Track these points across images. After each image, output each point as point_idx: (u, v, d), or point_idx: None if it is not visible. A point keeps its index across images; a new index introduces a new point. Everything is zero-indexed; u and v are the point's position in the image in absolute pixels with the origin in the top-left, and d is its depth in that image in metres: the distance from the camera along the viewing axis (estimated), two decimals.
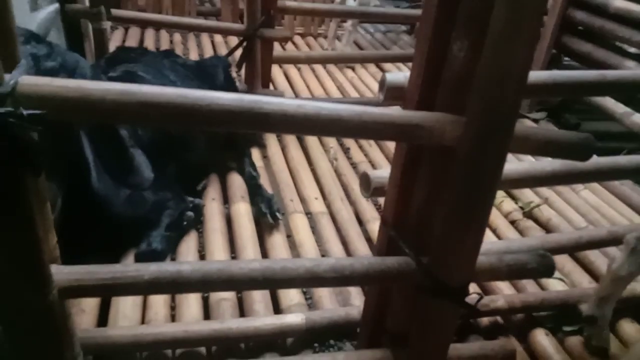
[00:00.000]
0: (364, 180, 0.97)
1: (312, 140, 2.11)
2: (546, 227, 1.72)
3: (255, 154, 1.97)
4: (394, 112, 0.78)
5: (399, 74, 0.87)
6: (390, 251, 0.96)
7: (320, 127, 0.75)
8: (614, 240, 1.42)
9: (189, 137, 1.64)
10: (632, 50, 2.37)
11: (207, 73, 1.76)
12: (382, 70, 2.89)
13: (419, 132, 0.77)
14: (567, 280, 1.48)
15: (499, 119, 0.74)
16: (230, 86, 1.81)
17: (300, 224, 1.61)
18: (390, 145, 2.07)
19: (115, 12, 1.96)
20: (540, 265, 0.97)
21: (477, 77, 0.74)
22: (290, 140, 2.10)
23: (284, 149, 2.05)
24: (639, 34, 2.15)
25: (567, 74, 1.08)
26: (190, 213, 1.50)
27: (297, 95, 2.51)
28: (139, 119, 0.74)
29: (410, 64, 1.11)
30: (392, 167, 0.94)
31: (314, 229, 1.62)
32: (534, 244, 1.35)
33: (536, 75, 0.99)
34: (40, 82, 0.62)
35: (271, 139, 2.09)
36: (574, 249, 1.49)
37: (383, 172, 0.96)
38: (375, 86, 2.65)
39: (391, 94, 0.86)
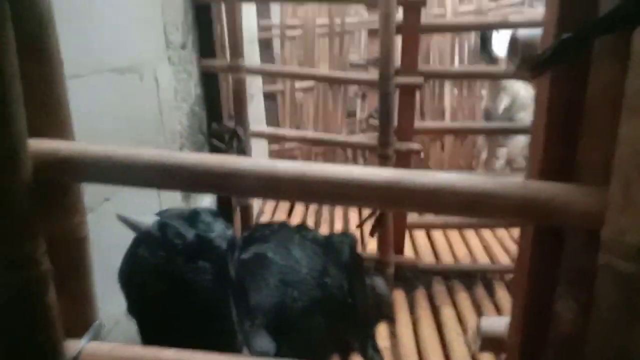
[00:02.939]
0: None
1: (448, 317, 1.93)
2: None
3: (382, 329, 1.85)
4: None
5: (496, 320, 0.74)
6: None
7: None
8: None
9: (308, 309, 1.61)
10: None
11: (334, 249, 1.77)
12: None
13: None
14: None
15: None
16: (355, 262, 1.78)
17: None
18: None
19: None
20: None
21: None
22: (424, 313, 1.95)
23: (415, 324, 1.90)
24: None
25: None
26: None
27: (437, 259, 2.38)
28: None
29: None
30: None
31: None
32: None
33: None
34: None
35: (402, 312, 1.97)
36: None
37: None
38: None
39: (487, 344, 0.73)
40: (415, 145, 1.99)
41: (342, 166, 0.60)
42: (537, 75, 0.61)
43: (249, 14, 2.93)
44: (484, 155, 3.03)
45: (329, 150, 3.33)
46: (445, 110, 3.20)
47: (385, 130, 1.91)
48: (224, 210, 2.09)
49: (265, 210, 2.93)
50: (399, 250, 2.15)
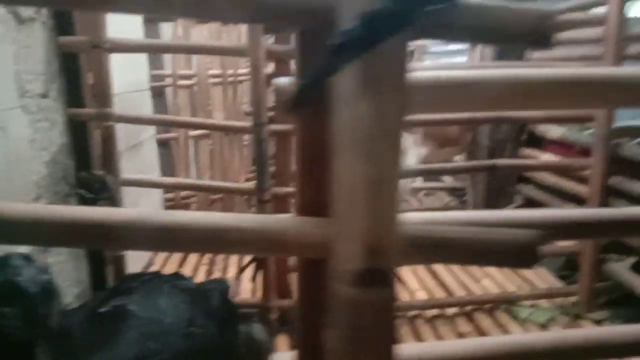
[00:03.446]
0: None
1: None
2: None
3: None
4: None
5: (285, 356, 0.76)
6: None
7: None
8: None
9: None
10: None
11: (204, 297, 1.74)
12: (431, 269, 2.74)
13: None
14: None
15: None
16: (227, 309, 1.76)
17: None
18: None
19: None
20: None
21: None
22: None
23: None
24: None
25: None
26: None
27: None
28: None
29: None
30: None
31: None
32: None
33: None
34: None
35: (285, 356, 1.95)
36: None
37: None
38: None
39: None
40: (291, 189, 2.04)
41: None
42: (291, 118, 0.65)
43: (139, 64, 2.94)
44: None
45: (228, 197, 3.32)
46: None
47: (261, 175, 1.95)
48: (94, 261, 2.01)
49: (155, 262, 2.85)
50: (283, 294, 2.15)
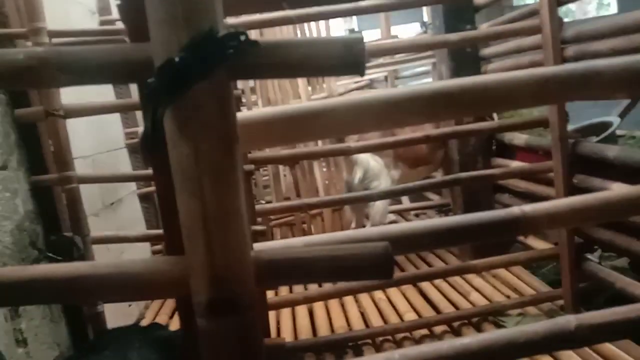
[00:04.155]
0: None
1: None
2: None
3: None
4: None
5: None
6: None
7: None
8: None
9: None
10: None
11: (175, 345, 1.76)
12: (420, 289, 2.73)
13: None
14: None
15: None
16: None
17: None
18: None
19: None
20: None
21: None
22: None
23: None
24: None
25: None
26: None
27: (315, 334, 2.40)
28: None
29: None
30: None
31: None
32: None
33: None
34: None
35: None
36: None
37: None
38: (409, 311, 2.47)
39: None
40: (258, 227, 2.07)
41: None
42: (148, 157, 0.70)
43: (111, 124, 3.03)
44: (353, 223, 3.17)
45: None
46: (319, 187, 3.35)
47: None
48: (73, 321, 2.04)
49: (147, 316, 2.86)
50: (265, 333, 2.15)
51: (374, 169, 2.85)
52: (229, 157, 0.57)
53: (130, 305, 2.73)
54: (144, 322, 2.75)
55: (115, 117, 3.07)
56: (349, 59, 0.58)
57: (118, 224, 2.74)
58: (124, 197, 2.95)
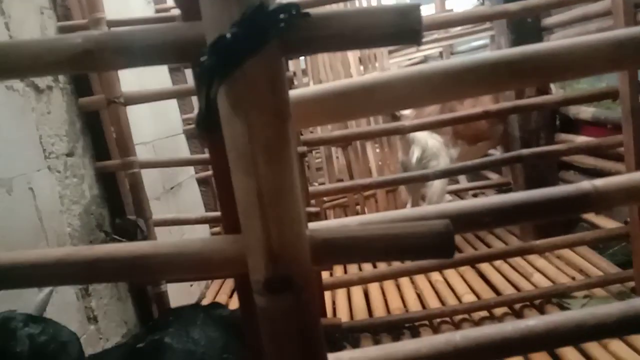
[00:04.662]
0: None
1: None
2: None
3: None
4: None
5: None
6: None
7: None
8: None
9: None
10: None
11: (237, 323, 1.80)
12: (479, 270, 2.67)
13: None
14: None
15: None
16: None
17: None
18: None
19: None
20: None
21: None
22: None
23: None
24: None
25: None
26: None
27: (370, 315, 2.40)
28: None
29: None
30: None
31: None
32: None
33: None
34: None
35: None
36: None
37: None
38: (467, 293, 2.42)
39: None
40: (312, 209, 2.08)
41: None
42: (204, 138, 0.70)
43: (170, 111, 3.12)
44: (409, 204, 3.11)
45: None
46: (372, 168, 3.32)
47: None
48: (139, 301, 2.13)
49: (207, 295, 2.96)
50: (320, 313, 2.17)
51: (433, 147, 2.77)
52: (281, 134, 0.56)
53: (191, 286, 2.83)
54: (205, 302, 2.84)
55: (173, 104, 3.15)
56: (405, 27, 0.56)
57: (178, 207, 2.83)
58: (183, 182, 3.04)
